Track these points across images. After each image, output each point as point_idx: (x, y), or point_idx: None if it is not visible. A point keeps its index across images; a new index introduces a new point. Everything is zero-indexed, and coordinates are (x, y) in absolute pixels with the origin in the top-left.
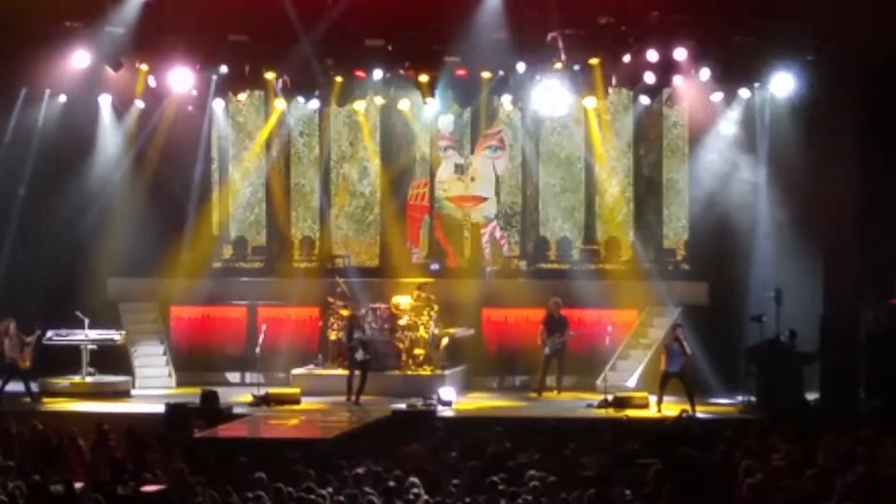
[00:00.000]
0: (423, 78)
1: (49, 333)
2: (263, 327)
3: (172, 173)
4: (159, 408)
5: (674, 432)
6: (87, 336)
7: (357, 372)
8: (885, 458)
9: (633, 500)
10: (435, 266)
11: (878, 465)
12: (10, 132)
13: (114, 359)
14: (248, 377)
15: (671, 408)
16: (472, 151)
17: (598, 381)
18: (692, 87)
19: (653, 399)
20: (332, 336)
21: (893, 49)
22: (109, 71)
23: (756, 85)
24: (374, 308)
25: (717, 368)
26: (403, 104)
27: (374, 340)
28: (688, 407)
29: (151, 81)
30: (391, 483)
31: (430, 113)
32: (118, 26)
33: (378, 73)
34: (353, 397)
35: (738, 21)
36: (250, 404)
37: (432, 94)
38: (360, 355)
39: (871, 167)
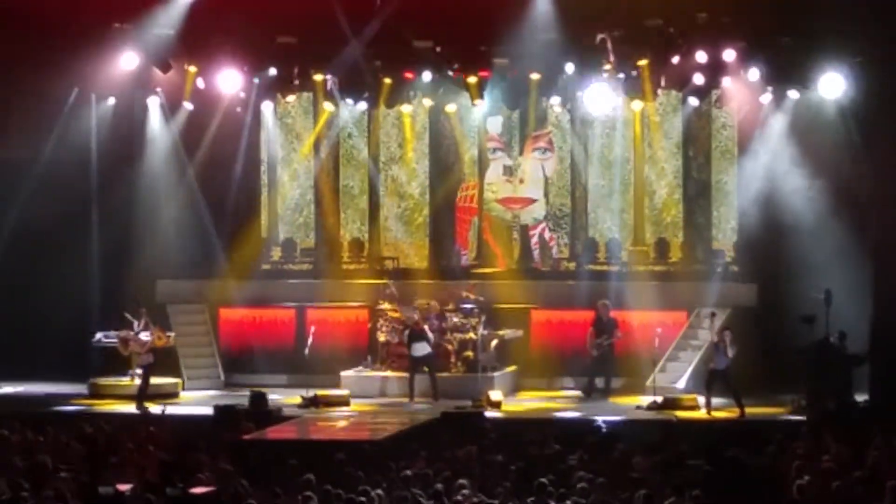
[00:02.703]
0: (472, 79)
1: (98, 335)
2: (312, 329)
3: (221, 175)
4: (208, 409)
5: (723, 434)
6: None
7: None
8: None
9: (683, 502)
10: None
11: None
12: (60, 134)
13: (162, 360)
14: (297, 379)
15: (720, 409)
16: (521, 153)
17: (648, 383)
18: (741, 88)
19: (701, 400)
20: (382, 338)
21: None
22: (158, 73)
23: (805, 86)
24: (425, 309)
25: (766, 370)
26: (451, 106)
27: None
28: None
29: (200, 83)
30: (440, 485)
31: (478, 114)
32: (167, 28)
33: (427, 75)
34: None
35: (787, 22)
36: (299, 406)
37: (481, 96)
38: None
39: None
